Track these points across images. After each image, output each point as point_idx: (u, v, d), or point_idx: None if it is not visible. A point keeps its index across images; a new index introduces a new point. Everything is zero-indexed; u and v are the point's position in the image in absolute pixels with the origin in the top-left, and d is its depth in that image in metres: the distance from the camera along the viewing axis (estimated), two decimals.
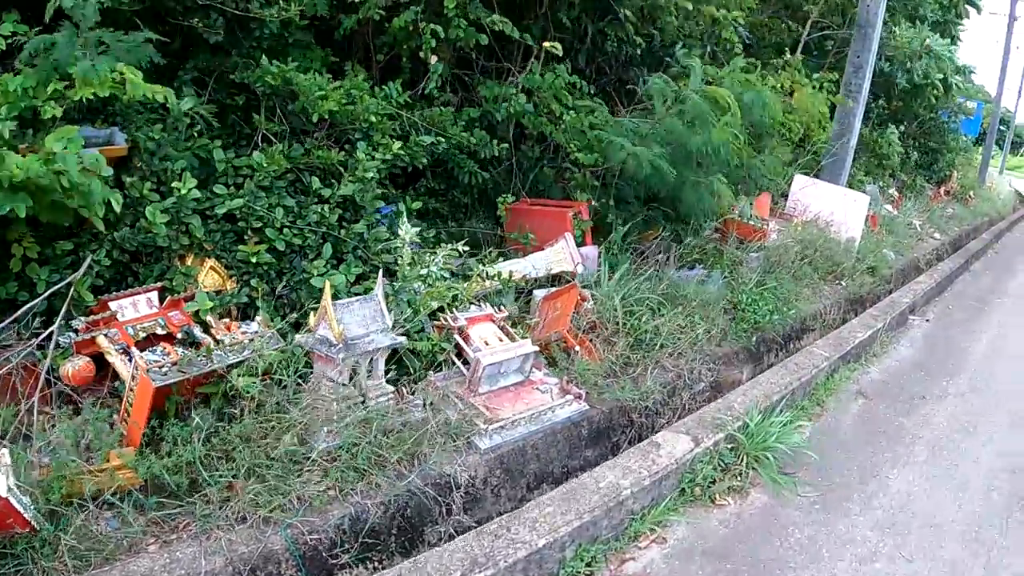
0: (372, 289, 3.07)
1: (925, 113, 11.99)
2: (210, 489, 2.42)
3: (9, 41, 3.17)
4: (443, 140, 4.12)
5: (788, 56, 8.39)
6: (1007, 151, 24.41)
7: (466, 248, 3.67)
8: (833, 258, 6.21)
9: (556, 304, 3.64)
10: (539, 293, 3.86)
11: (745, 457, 3.24)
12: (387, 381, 3.05)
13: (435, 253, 3.49)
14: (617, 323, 3.82)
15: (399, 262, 3.37)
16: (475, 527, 2.74)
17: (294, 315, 3.23)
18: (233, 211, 3.31)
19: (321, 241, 3.40)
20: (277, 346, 2.92)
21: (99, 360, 2.88)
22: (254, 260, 3.27)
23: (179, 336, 3.11)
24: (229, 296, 3.19)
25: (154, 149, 3.32)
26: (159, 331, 3.10)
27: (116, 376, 2.90)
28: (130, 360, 2.80)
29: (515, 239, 4.44)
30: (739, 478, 3.19)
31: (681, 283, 4.46)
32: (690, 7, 5.52)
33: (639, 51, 5.71)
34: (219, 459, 2.55)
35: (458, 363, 3.27)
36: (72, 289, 2.97)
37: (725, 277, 4.97)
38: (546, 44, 4.49)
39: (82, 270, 3.07)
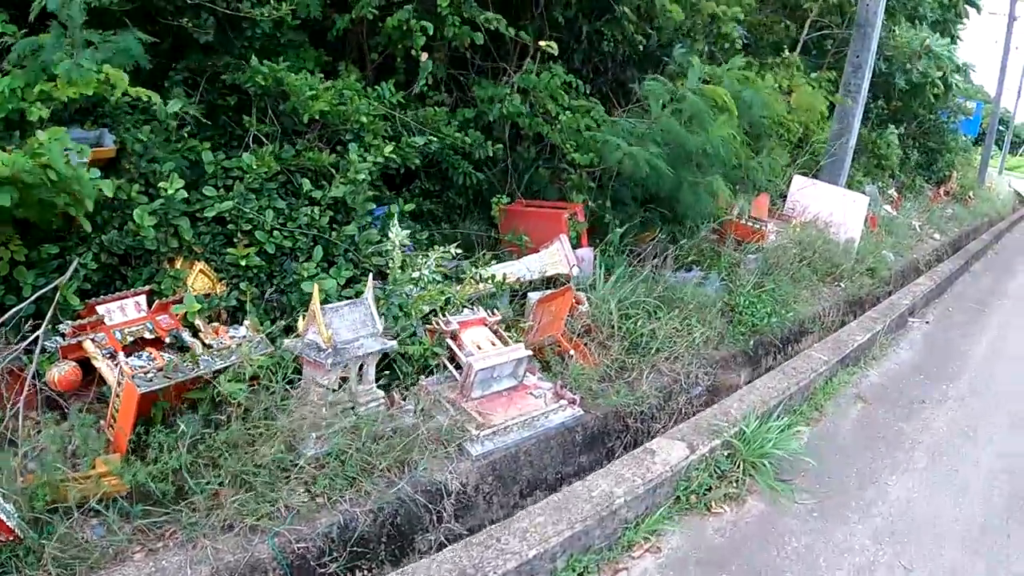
0: (363, 293, 3.02)
1: (924, 113, 11.96)
2: (197, 497, 2.38)
3: None
4: (436, 140, 4.07)
5: (787, 54, 8.34)
6: (1006, 151, 24.39)
7: (458, 251, 3.62)
8: (832, 259, 6.16)
9: (551, 307, 3.60)
10: (533, 296, 3.81)
11: (742, 464, 3.19)
12: (378, 386, 3.01)
13: (427, 256, 3.44)
14: (612, 326, 3.77)
15: (390, 265, 3.33)
16: (466, 535, 2.70)
17: (284, 320, 3.18)
18: (223, 213, 3.27)
19: (312, 244, 3.36)
20: (265, 351, 2.88)
21: (86, 364, 2.84)
22: (243, 263, 3.22)
23: (167, 340, 3.07)
24: (217, 299, 3.15)
25: (142, 151, 3.28)
26: (147, 335, 3.06)
27: (103, 381, 2.86)
28: (116, 365, 2.75)
29: (510, 241, 4.40)
30: (735, 485, 3.14)
31: (678, 285, 4.41)
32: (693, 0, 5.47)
33: (640, 48, 5.66)
34: (205, 466, 2.51)
35: (450, 368, 3.22)
36: (58, 293, 2.93)
37: (723, 279, 4.92)
38: (542, 43, 4.45)
39: (68, 273, 3.03)
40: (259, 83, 3.62)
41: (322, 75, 3.99)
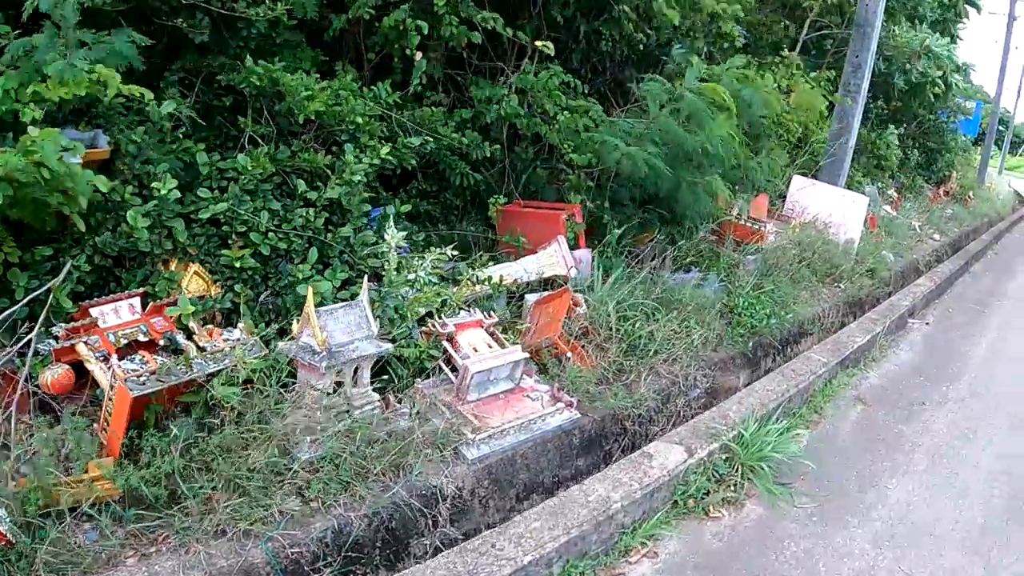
0: (358, 295, 3.00)
1: (924, 113, 11.94)
2: (190, 501, 2.37)
3: None
4: (432, 141, 4.04)
5: (786, 53, 8.32)
6: (1006, 151, 24.37)
7: (454, 252, 3.59)
8: (832, 260, 6.13)
9: (548, 309, 3.57)
10: (531, 298, 3.79)
11: (740, 467, 3.17)
12: (373, 389, 2.99)
13: (423, 258, 3.42)
14: (610, 328, 3.75)
15: (386, 267, 3.30)
16: (462, 539, 2.68)
17: (279, 322, 3.16)
18: (217, 215, 3.24)
19: (307, 245, 3.33)
20: (259, 354, 2.85)
21: (80, 367, 2.82)
22: (238, 265, 3.19)
23: (161, 343, 3.05)
24: (212, 302, 3.12)
25: (135, 152, 3.25)
26: (141, 338, 3.03)
27: (96, 384, 2.83)
28: (110, 368, 2.73)
29: (507, 242, 4.37)
30: (734, 489, 3.11)
31: (676, 287, 4.39)
32: None
33: (638, 48, 5.63)
34: (199, 470, 2.49)
35: (446, 370, 3.19)
36: (51, 296, 2.91)
37: (722, 280, 4.90)
38: (538, 43, 4.42)
39: (61, 276, 3.01)
40: (254, 83, 3.59)
41: (318, 75, 3.96)
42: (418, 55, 4.01)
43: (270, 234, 3.29)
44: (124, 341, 2.98)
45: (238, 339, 2.95)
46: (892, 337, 5.68)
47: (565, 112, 4.68)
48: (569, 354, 3.51)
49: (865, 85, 7.38)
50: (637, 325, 3.83)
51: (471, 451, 2.84)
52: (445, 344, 3.20)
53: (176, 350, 2.99)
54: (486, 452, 2.87)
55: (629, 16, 5.32)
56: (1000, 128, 20.04)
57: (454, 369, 3.16)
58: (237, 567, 2.22)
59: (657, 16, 5.27)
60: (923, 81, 10.36)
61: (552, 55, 4.58)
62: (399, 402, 3.01)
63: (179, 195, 3.10)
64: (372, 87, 4.06)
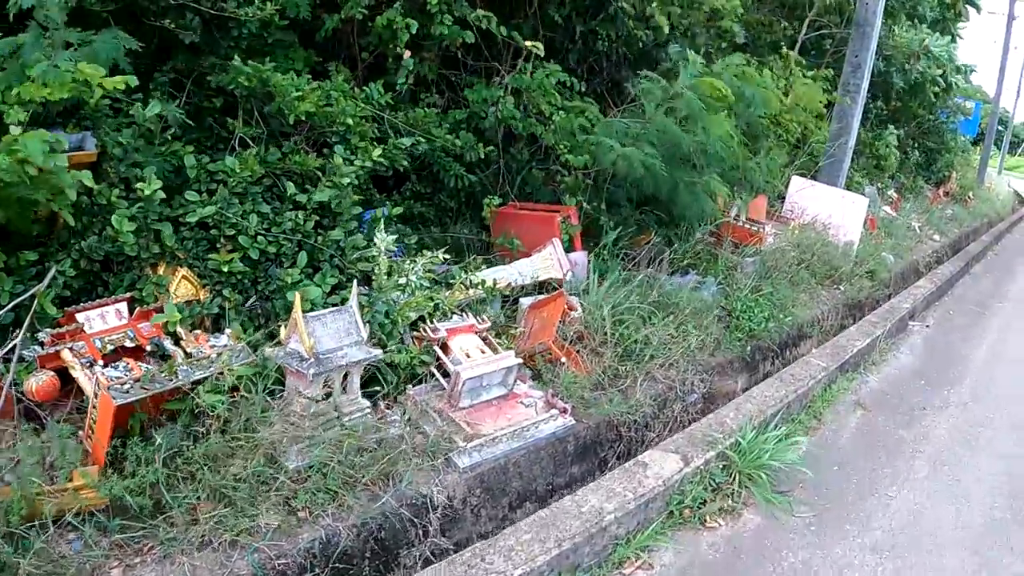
0: (348, 300, 2.94)
1: (923, 113, 11.89)
2: (175, 511, 2.32)
3: None
4: (424, 142, 3.98)
5: (785, 51, 8.26)
6: (1005, 151, 24.31)
7: (447, 256, 3.53)
8: (831, 262, 6.07)
9: (542, 313, 3.51)
10: (525, 301, 3.73)
11: (737, 476, 3.10)
12: (364, 396, 2.93)
13: (415, 261, 3.36)
14: (606, 333, 3.69)
15: (376, 271, 3.24)
16: (453, 549, 2.63)
17: (268, 328, 3.10)
18: (205, 218, 3.18)
19: (297, 249, 3.27)
20: (246, 360, 2.80)
21: (65, 374, 2.77)
22: (226, 269, 3.14)
23: (149, 348, 3.00)
24: (199, 307, 3.07)
25: (122, 155, 3.19)
26: (128, 343, 2.98)
27: (82, 391, 2.78)
28: (94, 375, 2.68)
29: (501, 244, 4.31)
30: (731, 498, 3.05)
31: (673, 290, 4.33)
32: None
33: (636, 47, 5.58)
34: (184, 480, 2.45)
35: (438, 376, 3.14)
36: (35, 301, 2.85)
37: (719, 283, 4.84)
38: (527, 43, 4.36)
39: (46, 281, 2.95)
40: (243, 84, 3.54)
41: (310, 76, 3.91)
42: (407, 54, 3.96)
43: (259, 238, 3.23)
44: (111, 347, 2.93)
45: (225, 345, 2.90)
46: (892, 340, 5.62)
47: (561, 112, 4.62)
48: (564, 359, 3.46)
49: (865, 85, 7.32)
50: (633, 329, 3.77)
51: (463, 459, 2.79)
52: (437, 350, 3.14)
53: (164, 356, 2.94)
54: (478, 460, 2.81)
55: (628, 13, 5.26)
56: (999, 128, 19.98)
57: (446, 375, 3.11)
58: None
59: (661, 9, 5.22)
60: (922, 81, 10.31)
61: (542, 55, 4.52)
62: (389, 409, 2.95)
63: (163, 196, 3.04)
64: (364, 87, 4.00)
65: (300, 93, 3.55)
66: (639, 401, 3.43)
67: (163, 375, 2.65)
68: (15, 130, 2.68)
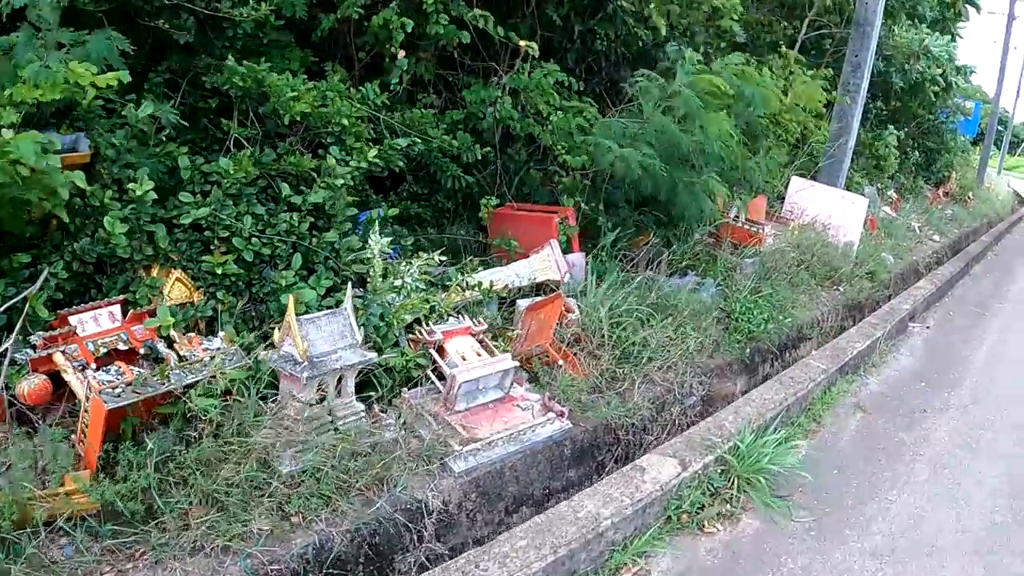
0: (343, 302, 2.92)
1: (923, 113, 11.86)
2: (167, 517, 2.30)
3: None
4: (420, 142, 3.95)
5: (784, 50, 8.23)
6: (1005, 151, 24.27)
7: (443, 258, 3.50)
8: (831, 263, 6.04)
9: (539, 315, 3.48)
10: (523, 303, 3.70)
11: (736, 480, 3.07)
12: (359, 399, 2.90)
13: (410, 263, 3.33)
14: (603, 335, 3.65)
15: (371, 273, 3.21)
16: (448, 554, 2.61)
17: (261, 331, 3.07)
18: (199, 220, 3.16)
19: (291, 251, 3.24)
20: (239, 363, 2.77)
21: (58, 377, 2.75)
22: (220, 271, 3.11)
23: (142, 351, 2.97)
24: (192, 310, 3.04)
25: (114, 156, 3.16)
26: (121, 346, 2.96)
27: (75, 394, 2.76)
28: (86, 379, 2.65)
29: (499, 245, 4.28)
30: (729, 503, 3.01)
31: (672, 291, 4.29)
32: None
33: (635, 46, 5.55)
34: (176, 484, 2.42)
35: (434, 379, 3.11)
36: (27, 304, 2.83)
37: (719, 284, 4.81)
38: (522, 43, 4.33)
39: (38, 284, 2.93)
40: (237, 84, 3.51)
41: (306, 76, 3.88)
42: (401, 53, 3.93)
43: (253, 239, 3.20)
44: (104, 350, 2.90)
45: (218, 348, 2.87)
46: (892, 342, 5.59)
47: (559, 112, 4.59)
48: (561, 362, 3.43)
49: (864, 85, 7.29)
50: (631, 331, 3.74)
51: (458, 463, 2.76)
52: (432, 352, 3.11)
53: (157, 359, 2.91)
54: (474, 464, 2.78)
55: (627, 11, 5.23)
56: (999, 128, 19.95)
57: (442, 378, 3.08)
58: None
59: (661, 6, 5.19)
60: (922, 81, 10.28)
61: (537, 56, 4.49)
62: (384, 413, 2.92)
63: (155, 196, 3.01)
64: (360, 88, 3.97)
65: (295, 93, 3.52)
66: (637, 404, 3.40)
67: (155, 379, 2.62)
68: (7, 132, 2.65)
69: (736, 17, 6.19)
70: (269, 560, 2.27)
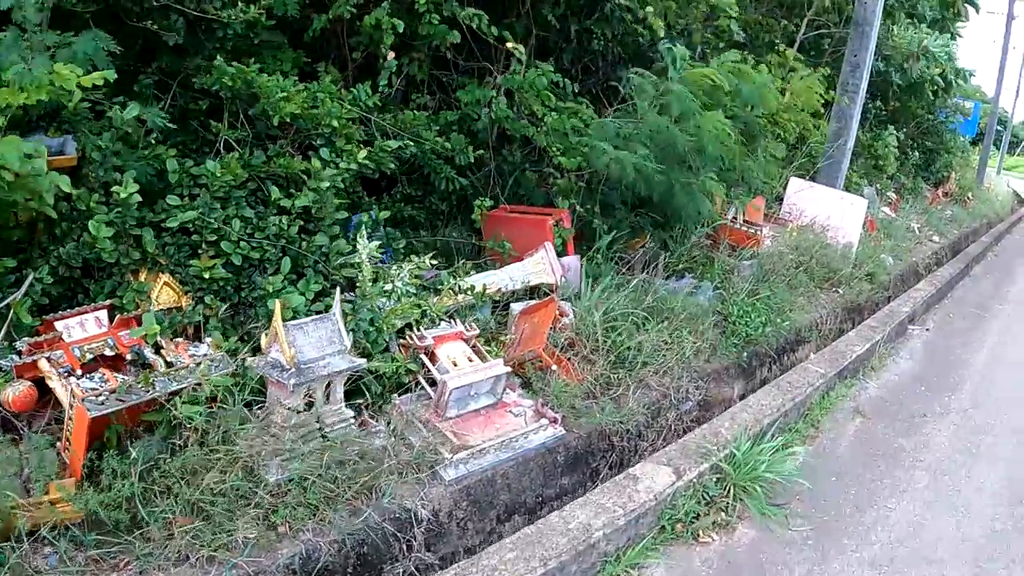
0: (332, 307, 2.87)
1: (923, 113, 11.80)
2: (152, 526, 2.25)
3: None
4: (412, 145, 3.90)
5: (783, 48, 8.17)
6: (1004, 151, 24.21)
7: (434, 262, 3.45)
8: (830, 265, 5.98)
9: (533, 320, 3.43)
10: (516, 307, 3.65)
11: (732, 488, 3.02)
12: (348, 406, 2.85)
13: (401, 267, 3.28)
14: (598, 339, 3.60)
15: (360, 278, 3.16)
16: (438, 564, 2.56)
17: (250, 336, 3.02)
18: (186, 224, 3.11)
19: (280, 255, 3.19)
20: (226, 370, 2.72)
21: (44, 384, 2.70)
22: (207, 276, 3.06)
23: (129, 357, 2.92)
24: (179, 316, 2.99)
25: (100, 159, 3.11)
26: (108, 352, 2.91)
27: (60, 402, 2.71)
28: (69, 386, 2.61)
29: (493, 248, 4.23)
30: (725, 512, 2.96)
31: (669, 294, 4.24)
32: None
33: (632, 46, 5.49)
34: (160, 493, 2.37)
35: (425, 385, 3.06)
36: (11, 311, 2.78)
37: (716, 287, 4.75)
38: (509, 45, 4.28)
39: (22, 289, 2.89)
40: (226, 85, 3.46)
41: (296, 77, 3.83)
42: (390, 55, 3.87)
43: (242, 243, 3.15)
44: (90, 356, 2.86)
45: (205, 354, 2.82)
46: (892, 345, 5.54)
47: (553, 113, 4.54)
48: (554, 367, 3.38)
49: (864, 85, 7.24)
50: (626, 335, 3.69)
51: (449, 472, 2.71)
52: (423, 358, 3.07)
53: (145, 364, 2.87)
54: (464, 472, 2.73)
55: (624, 7, 5.18)
56: (999, 128, 19.89)
57: (433, 384, 3.03)
58: None
59: (647, 19, 5.16)
60: (921, 80, 10.23)
61: (523, 57, 4.44)
62: (374, 419, 2.88)
63: (140, 199, 2.96)
64: (352, 89, 3.93)
65: (285, 95, 3.47)
66: (632, 410, 3.35)
67: (139, 386, 2.57)
68: None
69: (733, 15, 6.13)
70: (255, 570, 2.23)
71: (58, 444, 2.57)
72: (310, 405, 2.71)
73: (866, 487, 3.44)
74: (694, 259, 5.06)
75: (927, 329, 6.28)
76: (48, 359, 2.76)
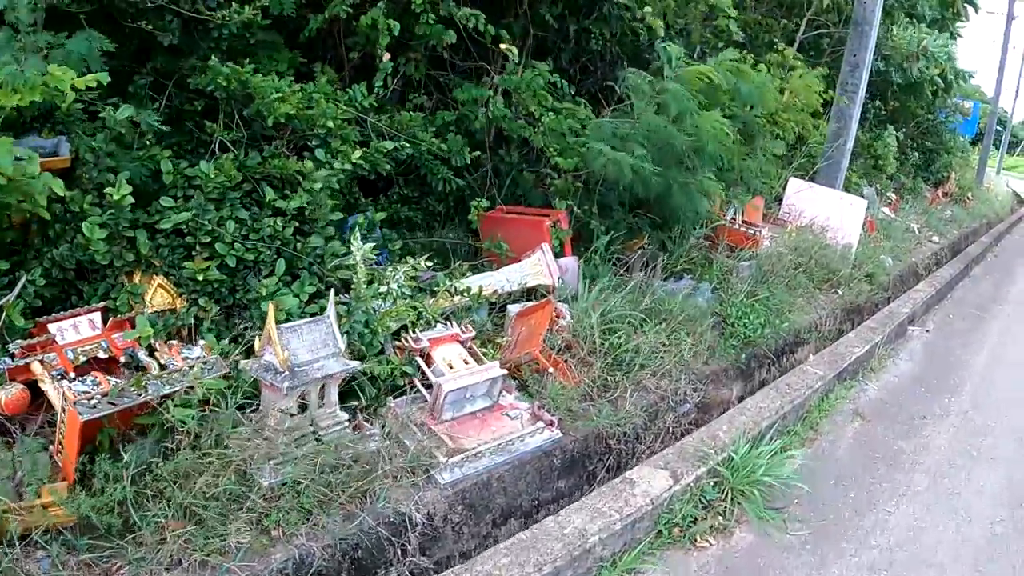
0: (326, 309, 2.85)
1: (922, 113, 11.78)
2: (144, 530, 2.24)
3: None
4: (408, 146, 3.88)
5: (782, 47, 8.15)
6: (1004, 151, 24.17)
7: (429, 263, 3.42)
8: (829, 265, 5.96)
9: (530, 321, 3.41)
10: (513, 308, 3.62)
11: (730, 492, 3.00)
12: (343, 409, 2.83)
13: (396, 269, 3.25)
14: (595, 341, 3.58)
15: (355, 280, 3.14)
16: (433, 569, 2.54)
17: (244, 338, 3.00)
18: (180, 225, 3.09)
19: (275, 256, 3.17)
20: (220, 372, 2.70)
21: (37, 386, 2.69)
22: (201, 278, 3.04)
23: (123, 360, 2.90)
24: (173, 318, 2.96)
25: (93, 160, 3.09)
26: (101, 355, 2.89)
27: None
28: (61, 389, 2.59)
29: (489, 249, 4.21)
30: (723, 516, 2.94)
31: (667, 296, 4.21)
32: None
33: (630, 46, 5.47)
34: (153, 497, 2.36)
35: (421, 388, 3.04)
36: (3, 313, 2.76)
37: (715, 288, 4.73)
38: (502, 45, 4.26)
39: (15, 291, 2.86)
40: (221, 85, 3.44)
41: (291, 77, 3.80)
42: (386, 56, 3.85)
43: (236, 245, 3.13)
44: (83, 358, 2.84)
45: (198, 357, 2.80)
46: (891, 346, 5.52)
47: (550, 114, 4.51)
48: (551, 369, 3.35)
49: (863, 85, 7.21)
50: (624, 337, 3.66)
51: (444, 475, 2.69)
52: (419, 360, 3.04)
53: (138, 367, 2.85)
54: (460, 476, 2.71)
55: (623, 5, 5.15)
56: (998, 128, 19.86)
57: (429, 387, 3.01)
58: None
59: (645, 19, 5.14)
60: (920, 80, 10.21)
61: (517, 58, 4.42)
62: (369, 422, 2.85)
63: (133, 201, 2.94)
64: (346, 90, 3.90)
65: (280, 95, 3.45)
66: (629, 412, 3.32)
67: (131, 389, 2.55)
68: None
69: (731, 15, 6.10)
70: (248, 575, 2.21)
71: (51, 447, 2.56)
72: (304, 408, 2.69)
73: (865, 490, 3.42)
74: (692, 260, 5.03)
75: (927, 330, 6.25)
76: (41, 362, 2.74)
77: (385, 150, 3.59)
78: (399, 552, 2.52)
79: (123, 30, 3.57)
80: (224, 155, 3.38)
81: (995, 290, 8.32)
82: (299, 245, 3.20)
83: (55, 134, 3.24)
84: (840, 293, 5.90)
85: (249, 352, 2.88)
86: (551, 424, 3.07)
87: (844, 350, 4.84)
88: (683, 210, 4.81)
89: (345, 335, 2.84)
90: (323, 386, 2.71)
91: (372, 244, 3.20)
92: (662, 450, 3.22)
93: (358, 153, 3.41)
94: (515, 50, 4.28)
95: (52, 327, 2.87)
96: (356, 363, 2.76)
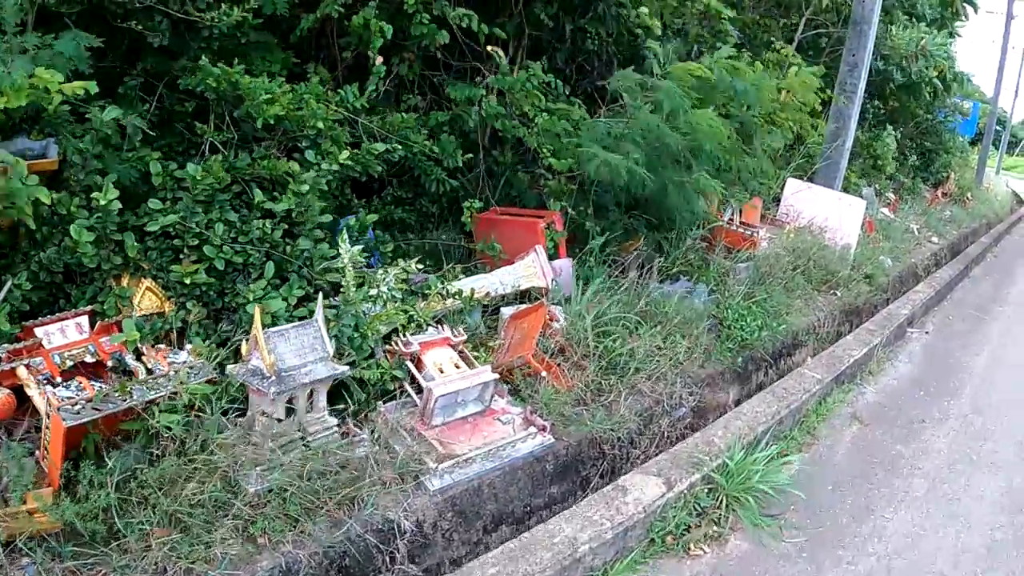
0: (314, 313, 2.81)
1: (922, 113, 11.73)
2: (129, 537, 2.21)
3: None
4: (400, 148, 3.84)
5: (780, 45, 8.10)
6: (1003, 151, 24.12)
7: (420, 266, 3.39)
8: (828, 267, 5.91)
9: (522, 325, 3.37)
10: (507, 311, 3.59)
11: (724, 499, 2.95)
12: (332, 413, 2.80)
13: (387, 272, 3.21)
14: (589, 345, 3.54)
15: (344, 283, 3.10)
16: None
17: (232, 342, 2.96)
18: (167, 227, 3.05)
19: (264, 259, 3.13)
20: (206, 377, 2.66)
21: (23, 391, 2.65)
22: (189, 281, 3.00)
23: (110, 364, 2.87)
24: (160, 322, 2.93)
25: (81, 162, 3.05)
26: (88, 359, 2.85)
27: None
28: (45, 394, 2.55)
29: (483, 251, 4.17)
30: (717, 523, 2.89)
31: (663, 298, 4.17)
32: None
33: (631, 41, 5.42)
34: (138, 504, 2.32)
35: (411, 392, 3.00)
36: None
37: (711, 290, 4.69)
38: (489, 48, 4.22)
39: (1, 295, 2.84)
40: (211, 86, 3.40)
41: (283, 78, 3.77)
42: (379, 59, 3.81)
43: (225, 247, 3.09)
44: (71, 363, 2.80)
45: (184, 361, 2.76)
46: (890, 348, 5.47)
47: (544, 114, 4.47)
48: (544, 373, 3.31)
49: (862, 85, 7.17)
50: (619, 341, 3.62)
51: (434, 481, 2.65)
52: (409, 364, 3.00)
53: (126, 371, 2.81)
54: (450, 482, 2.67)
55: (620, 5, 5.11)
56: (998, 128, 19.81)
57: (419, 391, 2.97)
58: None
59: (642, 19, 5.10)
60: (919, 81, 10.17)
61: (504, 61, 4.38)
62: (358, 427, 2.81)
63: (120, 205, 2.90)
64: (338, 91, 3.87)
65: (270, 96, 3.41)
66: (623, 417, 3.28)
67: (116, 395, 2.51)
68: None
69: (725, 16, 6.05)
70: None
71: (37, 453, 2.52)
72: (292, 413, 2.65)
73: (863, 496, 3.37)
74: (689, 262, 4.99)
75: (926, 332, 6.20)
76: (27, 366, 2.70)
77: (376, 152, 3.55)
78: (387, 560, 2.48)
79: (113, 31, 3.54)
80: (214, 157, 3.34)
81: (995, 291, 8.27)
82: (288, 248, 3.16)
83: (43, 136, 3.21)
84: (838, 294, 5.85)
85: (235, 354, 2.84)
86: (543, 429, 3.03)
87: (842, 353, 4.80)
88: (679, 210, 4.76)
89: (334, 339, 2.80)
90: (311, 391, 2.67)
91: (361, 246, 3.16)
92: (657, 455, 3.17)
93: (346, 154, 3.37)
94: (502, 52, 4.24)
95: (39, 331, 2.84)
96: (344, 368, 2.72)
